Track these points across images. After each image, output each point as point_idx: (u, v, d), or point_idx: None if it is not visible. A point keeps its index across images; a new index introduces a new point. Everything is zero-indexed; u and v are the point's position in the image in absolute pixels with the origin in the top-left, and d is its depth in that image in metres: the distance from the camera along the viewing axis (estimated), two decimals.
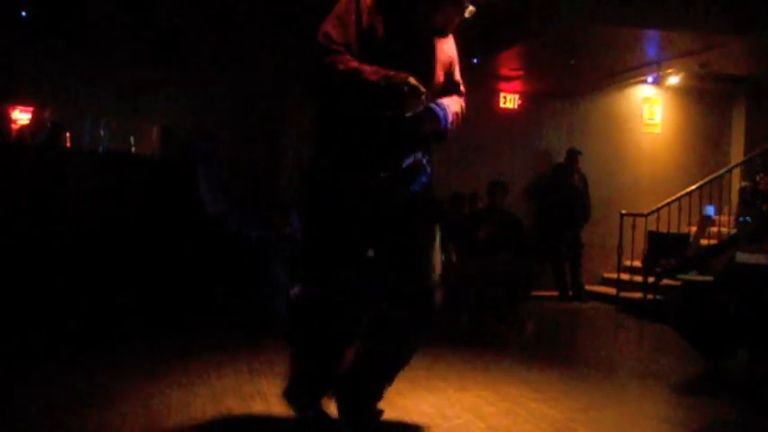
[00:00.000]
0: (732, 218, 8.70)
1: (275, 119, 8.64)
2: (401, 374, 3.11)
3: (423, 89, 2.73)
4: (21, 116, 7.82)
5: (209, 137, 7.43)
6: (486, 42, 7.52)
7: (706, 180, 8.97)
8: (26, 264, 5.71)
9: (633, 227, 8.82)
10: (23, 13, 7.81)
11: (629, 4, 7.12)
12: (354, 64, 2.77)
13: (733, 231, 8.04)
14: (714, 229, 8.49)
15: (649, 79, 10.06)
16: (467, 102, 3.13)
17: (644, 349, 6.57)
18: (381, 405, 3.11)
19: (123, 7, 7.83)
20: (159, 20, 8.05)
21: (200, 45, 8.25)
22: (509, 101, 9.70)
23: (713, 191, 8.87)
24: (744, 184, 9.41)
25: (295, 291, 6.79)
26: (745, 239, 5.35)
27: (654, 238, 8.61)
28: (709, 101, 10.59)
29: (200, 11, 8.02)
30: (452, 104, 2.97)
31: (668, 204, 8.91)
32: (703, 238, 8.39)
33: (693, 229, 8.98)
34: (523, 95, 9.74)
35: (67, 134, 7.19)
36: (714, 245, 6.92)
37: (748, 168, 9.54)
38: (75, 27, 7.75)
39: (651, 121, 10.45)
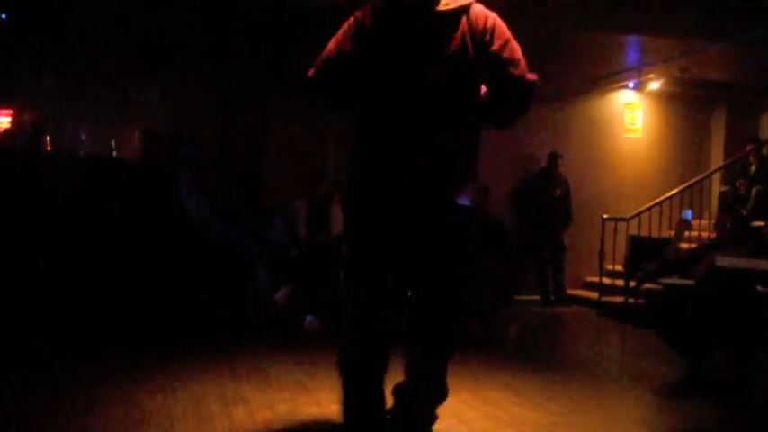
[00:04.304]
0: (712, 222, 8.78)
1: (258, 123, 8.63)
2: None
3: None
4: (1, 119, 7.77)
5: (192, 141, 7.40)
6: None
7: (686, 185, 9.04)
8: (6, 267, 5.66)
9: (615, 231, 8.87)
10: (4, 16, 7.75)
11: (611, 10, 7.17)
12: None
13: (713, 236, 8.10)
14: (695, 234, 8.56)
15: (630, 84, 10.15)
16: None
17: (625, 353, 6.61)
18: None
19: (106, 12, 7.80)
20: (142, 24, 8.02)
21: (183, 49, 8.23)
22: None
23: (694, 195, 8.95)
24: (723, 188, 9.52)
25: (278, 295, 6.81)
26: (724, 243, 5.39)
27: (635, 243, 8.65)
28: (689, 106, 10.68)
29: (183, 16, 8.00)
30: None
31: (649, 209, 8.97)
32: (682, 242, 8.45)
33: (673, 233, 9.05)
34: None
35: (47, 138, 7.15)
36: (694, 249, 6.96)
37: (728, 173, 9.63)
38: (56, 31, 7.70)
39: (632, 126, 10.51)
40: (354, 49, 2.79)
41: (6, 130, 7.47)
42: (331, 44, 2.85)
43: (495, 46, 2.76)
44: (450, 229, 2.78)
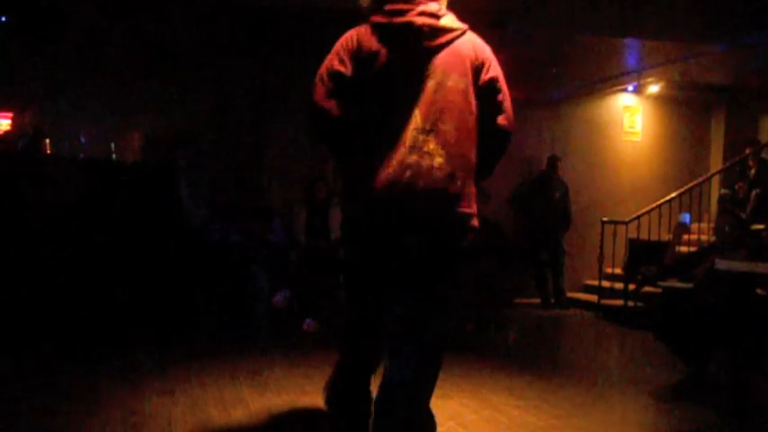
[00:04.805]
0: (711, 225, 8.78)
1: (258, 125, 8.62)
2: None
3: None
4: (1, 122, 7.75)
5: (193, 143, 7.40)
6: None
7: (686, 188, 9.04)
8: (6, 269, 5.65)
9: (614, 234, 8.86)
10: (3, 18, 7.75)
11: (610, 13, 7.18)
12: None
13: (712, 239, 8.11)
14: (694, 237, 8.56)
15: (630, 88, 10.16)
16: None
17: (625, 356, 6.60)
18: None
19: (107, 15, 7.79)
20: (142, 28, 8.02)
21: (183, 52, 8.22)
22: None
23: (693, 199, 8.95)
24: (723, 191, 9.51)
25: (277, 297, 6.81)
26: (724, 247, 5.39)
27: (634, 246, 8.65)
28: (688, 109, 10.69)
29: (183, 18, 8.00)
30: None
31: (649, 212, 8.96)
32: (680, 245, 8.47)
33: (671, 237, 9.05)
34: None
35: (47, 140, 7.14)
36: (693, 252, 6.97)
37: (727, 176, 9.63)
38: (56, 33, 7.70)
39: (631, 130, 10.52)
40: (353, 68, 2.74)
41: (6, 133, 7.46)
42: (328, 64, 2.80)
43: (498, 96, 2.81)
44: (448, 242, 2.75)
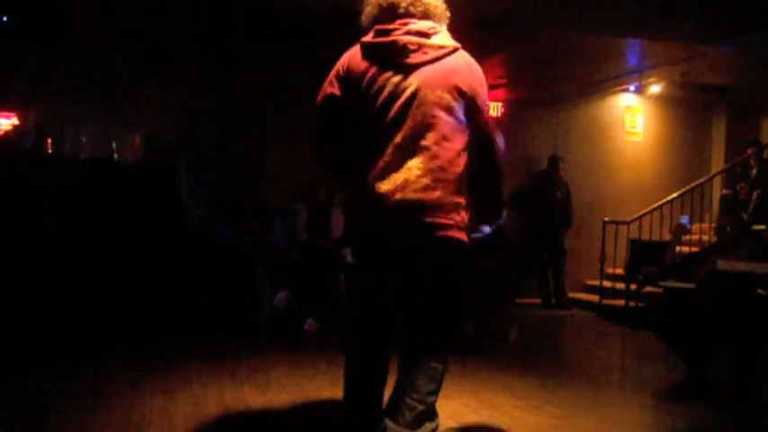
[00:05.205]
0: (713, 226, 8.77)
1: (259, 126, 8.63)
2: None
3: None
4: (2, 121, 7.76)
5: (193, 144, 7.40)
6: (468, 50, 7.56)
7: (687, 188, 9.03)
8: (7, 269, 5.65)
9: (615, 234, 8.86)
10: (5, 18, 7.75)
11: (611, 14, 7.18)
12: None
13: (713, 239, 8.10)
14: (695, 237, 8.55)
15: (631, 88, 10.15)
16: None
17: (626, 356, 6.60)
18: None
19: (108, 14, 7.80)
20: (143, 27, 8.02)
21: (184, 52, 8.23)
22: (492, 109, 9.71)
23: (694, 199, 8.94)
24: (724, 192, 9.50)
25: (278, 298, 6.80)
26: (725, 247, 5.38)
27: (636, 246, 8.64)
28: (690, 110, 10.69)
29: (185, 19, 8.00)
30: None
31: (650, 212, 8.95)
32: (680, 245, 8.47)
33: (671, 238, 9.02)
34: (506, 103, 9.77)
35: (49, 140, 7.15)
36: (694, 253, 6.96)
37: (729, 177, 9.62)
38: (58, 33, 7.70)
39: (633, 130, 10.52)
40: (345, 90, 2.79)
41: (8, 132, 7.47)
42: (323, 90, 2.85)
43: (483, 116, 2.82)
44: (428, 250, 2.77)
